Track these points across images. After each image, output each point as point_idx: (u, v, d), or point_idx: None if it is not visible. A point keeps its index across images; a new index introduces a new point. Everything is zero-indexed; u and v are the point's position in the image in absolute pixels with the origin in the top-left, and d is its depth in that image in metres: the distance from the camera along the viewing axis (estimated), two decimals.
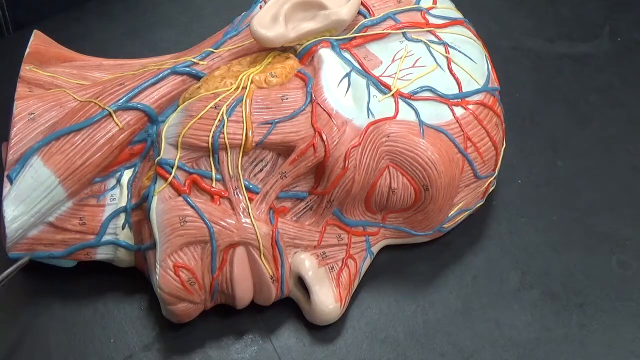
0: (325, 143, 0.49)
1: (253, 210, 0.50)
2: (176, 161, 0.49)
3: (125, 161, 0.52)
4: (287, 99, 0.51)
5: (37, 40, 0.56)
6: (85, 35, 0.70)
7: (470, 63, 0.54)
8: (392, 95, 0.51)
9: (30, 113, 0.51)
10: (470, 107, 0.52)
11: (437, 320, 0.54)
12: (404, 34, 0.54)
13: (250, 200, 0.50)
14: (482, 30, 0.58)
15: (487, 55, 0.56)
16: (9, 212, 0.48)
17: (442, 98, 0.52)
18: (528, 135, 0.64)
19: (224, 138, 0.49)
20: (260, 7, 0.55)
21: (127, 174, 0.52)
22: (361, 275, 0.54)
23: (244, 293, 0.50)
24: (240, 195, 0.50)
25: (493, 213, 0.59)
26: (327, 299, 0.51)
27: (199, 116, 0.49)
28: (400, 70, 0.53)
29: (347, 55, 0.53)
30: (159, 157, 0.50)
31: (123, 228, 0.51)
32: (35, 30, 0.56)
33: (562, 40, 0.72)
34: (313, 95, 0.51)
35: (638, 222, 0.59)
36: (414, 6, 0.56)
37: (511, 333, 0.53)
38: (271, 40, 0.51)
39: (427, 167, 0.50)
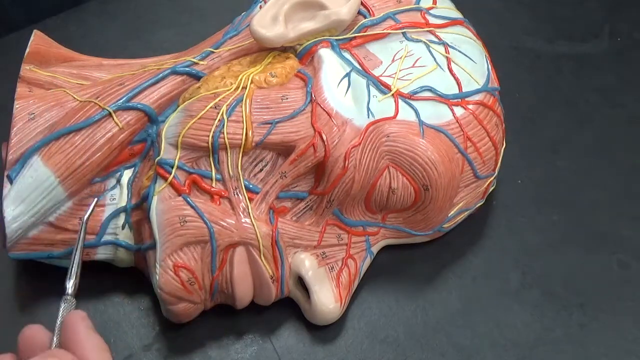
0: (325, 143, 0.49)
1: (253, 210, 0.50)
2: (176, 161, 0.49)
3: (125, 161, 0.52)
4: (287, 99, 0.51)
5: (37, 40, 0.56)
6: (85, 35, 0.70)
7: (470, 63, 0.54)
8: (392, 95, 0.51)
9: (30, 113, 0.51)
10: (470, 107, 0.52)
11: (437, 320, 0.54)
12: (404, 34, 0.54)
13: (250, 200, 0.50)
14: (482, 30, 0.58)
15: (487, 55, 0.56)
16: (9, 212, 0.48)
17: (442, 98, 0.52)
18: (528, 135, 0.64)
19: (224, 138, 0.49)
20: (260, 7, 0.55)
21: (127, 174, 0.52)
22: (361, 275, 0.54)
23: (244, 293, 0.50)
24: (240, 195, 0.50)
25: (493, 213, 0.59)
26: (327, 299, 0.51)
27: (199, 116, 0.49)
28: (400, 70, 0.52)
29: (347, 55, 0.53)
30: (159, 157, 0.50)
31: (123, 228, 0.51)
32: (35, 30, 0.56)
33: (562, 40, 0.72)
34: (313, 95, 0.51)
35: (638, 222, 0.59)
36: (414, 6, 0.55)
37: (511, 333, 0.53)
38: (271, 40, 0.51)
39: (427, 167, 0.50)
